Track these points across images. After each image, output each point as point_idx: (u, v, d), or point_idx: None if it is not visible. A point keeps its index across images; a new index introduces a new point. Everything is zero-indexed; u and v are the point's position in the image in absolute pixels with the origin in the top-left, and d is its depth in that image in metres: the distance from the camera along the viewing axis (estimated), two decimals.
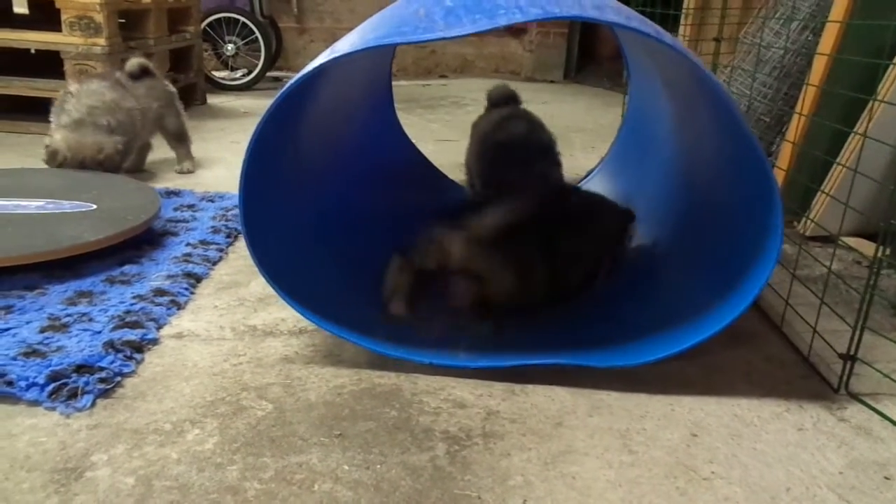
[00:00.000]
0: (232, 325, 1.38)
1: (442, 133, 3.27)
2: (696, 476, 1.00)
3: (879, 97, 1.66)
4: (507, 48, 5.58)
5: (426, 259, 1.36)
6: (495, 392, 1.19)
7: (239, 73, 4.42)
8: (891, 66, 1.71)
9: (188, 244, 1.73)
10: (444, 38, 1.02)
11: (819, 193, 1.89)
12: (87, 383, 1.12)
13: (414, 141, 2.31)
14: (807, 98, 1.90)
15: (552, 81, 5.38)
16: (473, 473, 0.99)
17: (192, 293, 1.51)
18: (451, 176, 2.20)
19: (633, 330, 1.29)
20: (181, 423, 1.06)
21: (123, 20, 2.98)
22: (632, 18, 1.07)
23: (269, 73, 4.38)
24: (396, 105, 2.27)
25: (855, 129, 1.75)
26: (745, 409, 1.17)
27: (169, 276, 1.53)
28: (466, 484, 0.97)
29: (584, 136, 3.34)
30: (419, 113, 3.83)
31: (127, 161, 2.29)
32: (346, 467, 0.99)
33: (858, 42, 1.83)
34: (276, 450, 1.02)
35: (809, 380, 1.27)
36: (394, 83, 2.24)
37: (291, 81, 1.11)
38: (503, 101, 2.02)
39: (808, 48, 2.07)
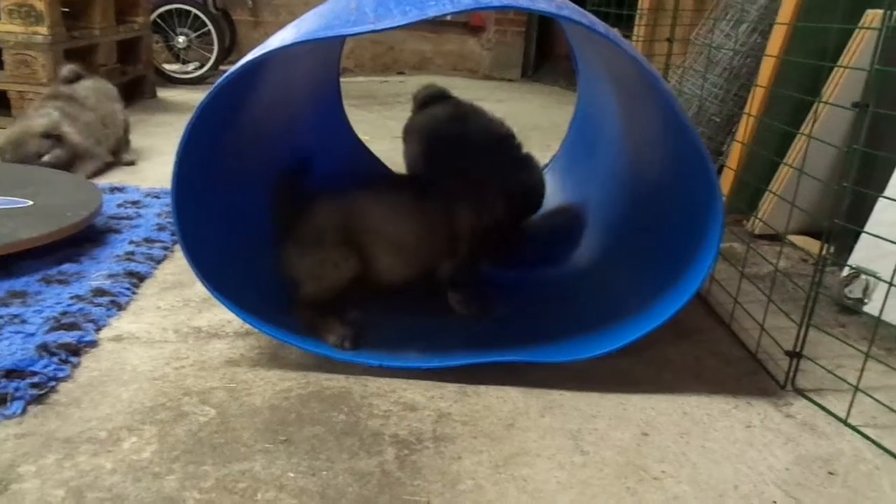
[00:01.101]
0: (175, 327, 1.33)
1: (399, 130, 3.23)
2: (646, 475, 1.00)
3: (823, 99, 1.69)
4: (465, 46, 5.56)
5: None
6: (447, 393, 1.17)
7: (191, 67, 4.31)
8: (834, 69, 1.75)
9: (131, 242, 1.67)
10: (373, 31, 1.00)
11: (767, 193, 1.92)
12: (17, 389, 1.06)
13: (370, 138, 2.28)
14: (755, 99, 1.92)
15: (510, 80, 5.39)
16: (423, 478, 0.97)
17: (134, 293, 1.45)
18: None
19: (581, 325, 1.29)
20: (117, 431, 1.02)
21: (67, 9, 2.87)
22: (563, 8, 1.05)
23: (222, 67, 4.28)
24: (353, 101, 2.23)
25: (801, 130, 1.78)
26: (695, 406, 1.18)
27: (110, 276, 1.47)
28: (416, 489, 0.94)
29: (540, 134, 3.34)
30: (376, 110, 3.79)
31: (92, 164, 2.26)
32: (291, 474, 0.96)
33: (804, 44, 1.87)
34: (218, 457, 0.98)
35: (757, 376, 1.29)
36: (351, 79, 2.21)
37: (221, 78, 1.07)
38: (432, 101, 1.96)
39: (756, 50, 2.10)
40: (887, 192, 1.44)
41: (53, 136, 2.12)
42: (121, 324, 1.33)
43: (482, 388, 1.19)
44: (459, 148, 1.68)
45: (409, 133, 1.99)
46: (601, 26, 1.07)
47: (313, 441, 1.03)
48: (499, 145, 1.71)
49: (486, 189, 1.39)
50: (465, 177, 1.41)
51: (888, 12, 1.12)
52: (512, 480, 0.97)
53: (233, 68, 1.08)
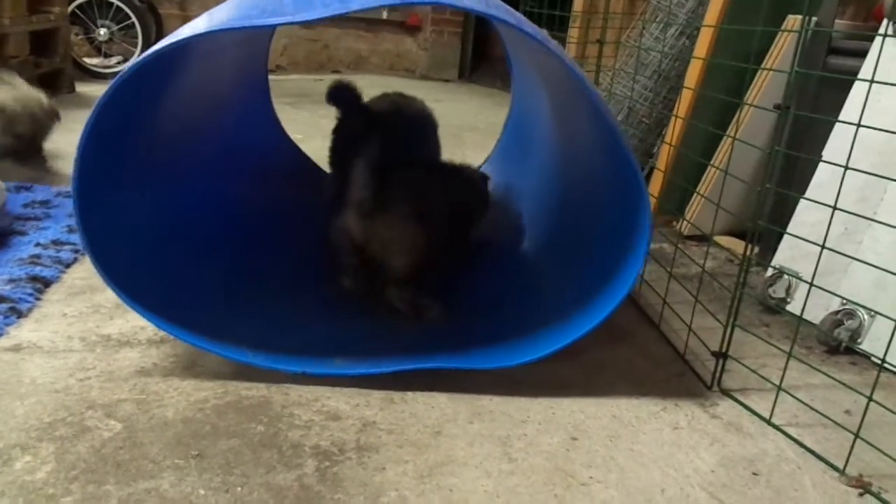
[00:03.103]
0: (82, 335, 1.25)
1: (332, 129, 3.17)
2: (574, 482, 0.98)
3: (748, 101, 1.72)
4: (401, 45, 5.52)
5: (342, 248, 1.34)
6: (373, 401, 1.13)
7: (113, 61, 4.13)
8: (758, 72, 1.79)
9: (38, 244, 1.56)
10: (293, 23, 0.96)
11: (695, 194, 1.95)
12: None
13: (303, 136, 2.21)
14: (683, 101, 1.95)
15: (447, 80, 5.38)
16: (344, 491, 0.92)
17: (37, 299, 1.35)
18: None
19: (512, 330, 1.27)
20: (9, 450, 0.93)
21: None
22: (492, 6, 1.03)
23: None
24: (286, 100, 2.16)
25: (726, 133, 1.81)
26: (624, 409, 1.17)
27: (10, 281, 1.37)
28: (335, 503, 0.90)
29: (476, 135, 3.34)
30: (310, 108, 3.70)
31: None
32: (202, 491, 0.89)
33: (729, 47, 1.91)
34: (122, 476, 0.91)
35: (685, 377, 1.29)
36: (284, 77, 2.13)
37: (128, 66, 1.01)
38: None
39: (684, 53, 2.14)
40: (808, 194, 1.47)
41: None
42: (20, 332, 1.23)
43: (409, 394, 1.15)
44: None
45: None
46: (528, 25, 1.05)
47: (228, 455, 0.97)
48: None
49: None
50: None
51: (807, 17, 1.14)
52: (437, 490, 0.94)
53: (138, 58, 1.01)
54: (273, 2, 0.99)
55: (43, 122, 1.96)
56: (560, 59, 1.05)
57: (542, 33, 1.08)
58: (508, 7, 1.11)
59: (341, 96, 1.51)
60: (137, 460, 0.94)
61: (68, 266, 1.51)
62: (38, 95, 2.00)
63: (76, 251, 1.58)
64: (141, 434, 1.00)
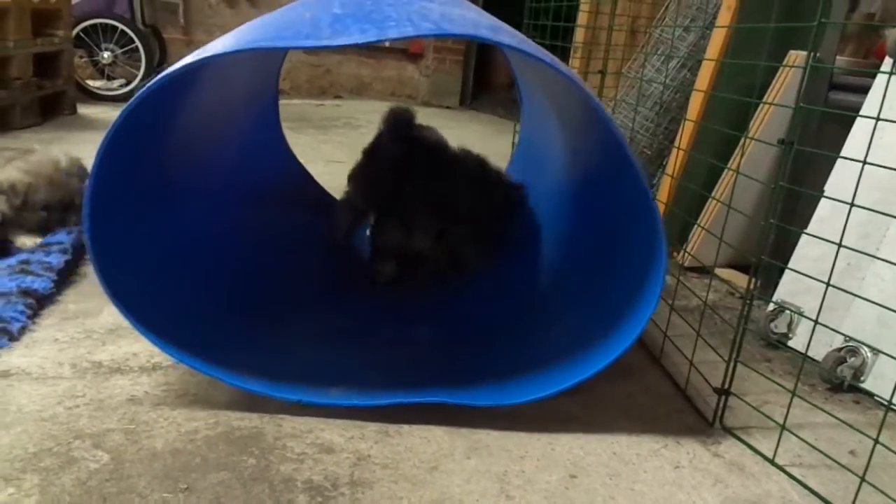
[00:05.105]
0: (73, 361, 1.22)
1: (334, 154, 3.17)
2: None
3: (750, 134, 1.72)
4: (404, 72, 5.56)
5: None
6: (368, 434, 1.10)
7: (116, 84, 4.15)
8: (760, 105, 1.79)
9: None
10: (329, 47, 0.94)
11: (696, 226, 1.94)
12: None
13: (304, 161, 2.20)
14: (684, 133, 1.95)
15: (448, 107, 5.41)
16: None
17: (28, 318, 1.32)
18: (339, 197, 2.11)
19: (516, 366, 1.24)
20: None
21: None
22: (525, 42, 1.03)
23: None
24: (287, 124, 2.16)
25: (728, 165, 1.81)
26: (625, 446, 1.14)
27: (1, 295, 1.34)
28: None
29: None
30: (311, 133, 3.71)
31: None
32: None
33: (731, 81, 1.91)
34: None
35: (686, 413, 1.27)
36: (286, 101, 2.14)
37: (155, 80, 0.99)
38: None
39: (685, 85, 2.14)
40: (810, 228, 1.46)
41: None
42: (10, 357, 1.21)
43: (405, 427, 1.12)
44: None
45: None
46: (561, 64, 1.04)
47: (218, 489, 0.94)
48: None
49: None
50: None
51: (811, 53, 1.13)
52: None
53: (168, 70, 0.99)
54: (308, 23, 0.97)
55: (66, 184, 1.76)
56: (592, 104, 1.04)
57: (573, 72, 1.07)
58: (538, 46, 1.10)
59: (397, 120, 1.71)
60: (124, 494, 0.91)
61: (59, 273, 1.49)
62: (55, 158, 1.82)
63: (64, 251, 1.56)
64: (128, 466, 0.97)
